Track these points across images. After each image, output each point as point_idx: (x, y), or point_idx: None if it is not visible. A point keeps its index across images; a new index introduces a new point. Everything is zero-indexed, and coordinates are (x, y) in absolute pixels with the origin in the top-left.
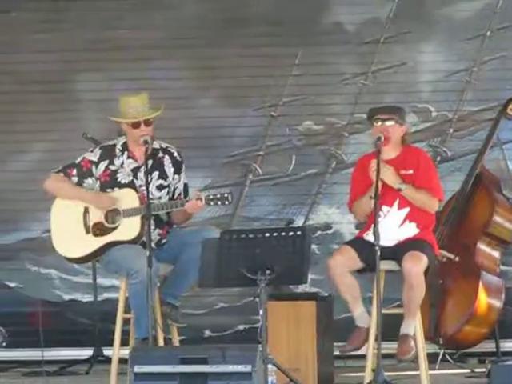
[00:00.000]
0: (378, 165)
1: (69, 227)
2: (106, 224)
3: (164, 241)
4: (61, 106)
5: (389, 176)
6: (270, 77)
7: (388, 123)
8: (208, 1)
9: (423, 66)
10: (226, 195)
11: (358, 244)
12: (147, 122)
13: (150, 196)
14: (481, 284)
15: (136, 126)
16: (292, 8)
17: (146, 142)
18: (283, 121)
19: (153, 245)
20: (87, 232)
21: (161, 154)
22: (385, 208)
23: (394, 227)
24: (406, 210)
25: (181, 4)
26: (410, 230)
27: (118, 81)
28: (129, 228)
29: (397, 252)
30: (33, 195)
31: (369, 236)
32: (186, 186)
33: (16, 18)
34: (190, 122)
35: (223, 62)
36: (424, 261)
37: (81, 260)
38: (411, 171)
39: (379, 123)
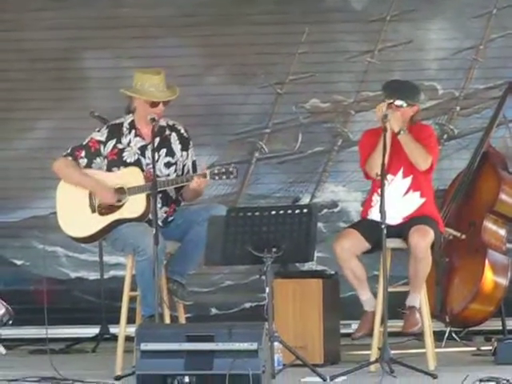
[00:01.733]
0: (385, 143)
1: (75, 207)
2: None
3: (171, 218)
4: (67, 84)
5: (396, 117)
6: (277, 54)
7: (398, 102)
8: None
9: (429, 43)
10: (230, 169)
11: (363, 225)
12: (165, 102)
13: (158, 173)
14: (487, 262)
15: (155, 105)
16: None
17: (153, 120)
18: (289, 98)
19: (159, 222)
20: (93, 211)
21: (168, 132)
22: (389, 177)
23: (398, 196)
24: (410, 178)
25: None
26: (415, 200)
27: (125, 59)
28: (135, 206)
29: (403, 229)
30: (39, 173)
31: (372, 214)
32: (194, 163)
33: None
34: (196, 100)
35: (230, 39)
36: (431, 235)
37: (87, 239)
38: None
39: (390, 101)
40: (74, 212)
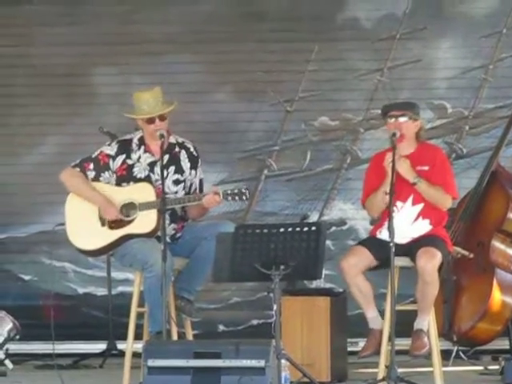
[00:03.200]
0: (393, 161)
1: (84, 220)
2: (121, 217)
3: (179, 235)
4: (76, 100)
5: (405, 168)
6: (286, 72)
7: (401, 119)
8: None
9: (439, 62)
10: (243, 190)
11: (371, 243)
12: (161, 117)
13: (167, 190)
14: (495, 281)
15: (150, 121)
16: (308, 3)
17: (161, 136)
18: (299, 116)
19: (168, 239)
20: (103, 225)
21: (177, 149)
22: (399, 203)
23: (407, 223)
24: (420, 206)
25: None
26: (423, 227)
27: (134, 75)
28: (145, 221)
29: (411, 248)
30: (47, 188)
31: (382, 234)
32: (201, 182)
33: (32, 11)
34: (205, 117)
35: (239, 56)
36: (438, 257)
37: (96, 252)
38: (427, 167)
39: (393, 120)
40: (83, 224)
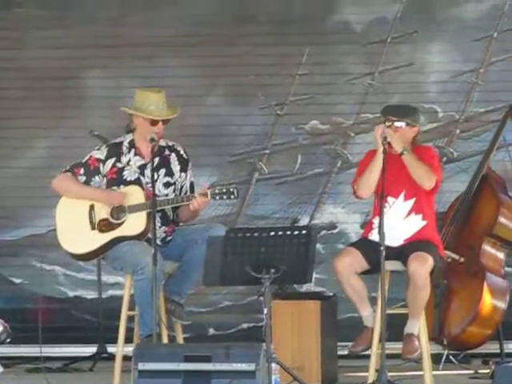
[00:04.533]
0: (385, 163)
1: (75, 224)
2: (111, 220)
3: (170, 238)
4: (68, 103)
5: (395, 138)
6: (277, 75)
7: (397, 124)
8: None
9: (430, 66)
10: (231, 189)
11: (363, 245)
12: (165, 121)
13: (157, 193)
14: (485, 285)
15: (154, 123)
16: (299, 7)
17: (152, 140)
18: (289, 120)
19: (158, 242)
20: (93, 228)
21: (167, 152)
22: (390, 199)
23: (399, 219)
24: (412, 201)
25: (189, 2)
26: (416, 223)
27: (125, 78)
28: (135, 224)
29: (402, 252)
30: (38, 192)
31: (373, 236)
32: (192, 184)
33: (23, 14)
34: (196, 120)
35: (230, 60)
36: (430, 262)
37: (87, 256)
38: None
39: (389, 123)
40: (73, 228)
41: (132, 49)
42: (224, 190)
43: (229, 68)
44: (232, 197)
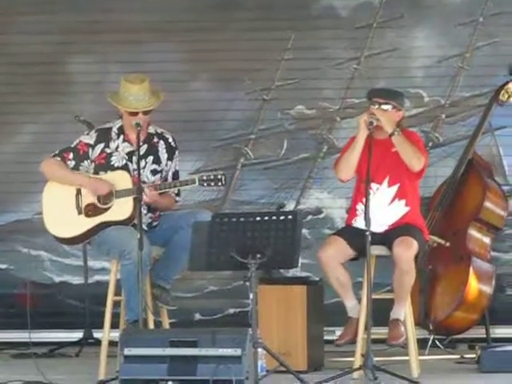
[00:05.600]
0: (370, 146)
1: (61, 208)
2: (98, 205)
3: (156, 223)
4: (53, 88)
5: (386, 118)
6: (263, 60)
7: (384, 107)
8: None
9: (416, 51)
10: (219, 176)
11: (348, 233)
12: (146, 112)
13: (145, 180)
14: (471, 270)
15: (133, 114)
16: None
17: (137, 125)
18: (275, 105)
19: (144, 227)
20: (79, 213)
21: (156, 139)
22: (374, 186)
23: (383, 205)
24: (396, 187)
25: None
26: (399, 208)
27: (111, 63)
28: (121, 209)
29: (387, 237)
30: (24, 177)
31: (357, 222)
32: (175, 174)
33: (9, 0)
34: (181, 106)
35: (216, 45)
36: (414, 246)
37: (73, 240)
38: None
39: (376, 106)
40: (60, 212)
41: (118, 34)
42: (212, 177)
43: (214, 53)
44: (220, 184)
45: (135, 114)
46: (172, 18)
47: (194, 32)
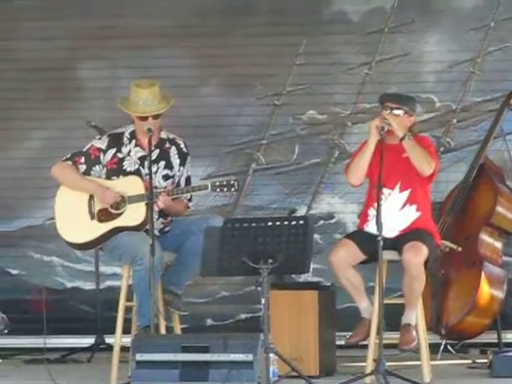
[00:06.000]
0: (381, 153)
1: (74, 213)
2: (111, 210)
3: (168, 229)
4: (63, 94)
5: (397, 122)
6: (274, 66)
7: (396, 112)
8: None
9: (427, 56)
10: (232, 182)
11: (359, 236)
12: (155, 116)
13: (157, 185)
14: (483, 274)
15: (143, 118)
16: None
17: (149, 131)
18: (287, 110)
19: (156, 232)
20: (92, 218)
21: (167, 145)
22: (386, 191)
23: (395, 210)
24: (407, 192)
25: None
26: (411, 214)
27: (121, 69)
28: (134, 214)
29: (398, 242)
30: (35, 183)
31: (369, 227)
32: (188, 179)
33: (17, 6)
34: (193, 111)
35: (227, 50)
36: (424, 251)
37: (85, 246)
38: None
39: (388, 111)
40: (72, 217)
41: (127, 39)
42: (224, 183)
43: (226, 58)
44: (232, 189)
45: (145, 118)
46: (182, 23)
47: (204, 37)
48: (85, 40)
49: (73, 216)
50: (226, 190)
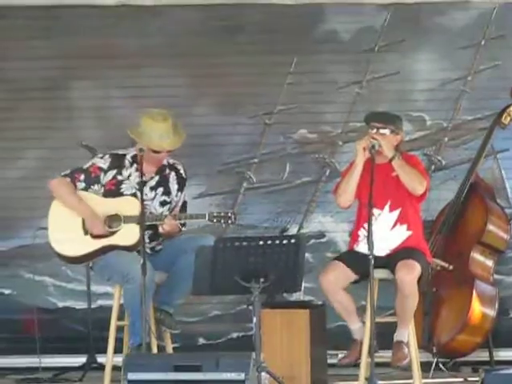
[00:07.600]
0: (372, 172)
1: (67, 226)
2: (106, 230)
3: (159, 247)
4: (55, 114)
5: (386, 142)
6: (265, 85)
7: (382, 131)
8: (203, 9)
9: (418, 74)
10: (229, 215)
11: (350, 257)
12: (168, 151)
13: (153, 211)
14: (474, 293)
15: (157, 151)
16: (287, 16)
17: (141, 150)
18: (277, 129)
19: (148, 250)
20: (86, 233)
21: (167, 171)
22: (376, 211)
23: (385, 230)
24: (397, 211)
25: (175, 11)
26: (401, 233)
27: (112, 88)
28: (128, 234)
29: (390, 261)
30: (27, 202)
31: (359, 247)
32: (183, 205)
33: (8, 25)
34: (184, 130)
35: (218, 69)
36: (417, 269)
37: (76, 260)
38: None
39: (374, 130)
40: (66, 230)
41: (119, 59)
42: (222, 214)
43: (216, 77)
44: (229, 222)
45: (158, 152)
46: (173, 42)
47: (195, 56)
48: (76, 59)
49: (66, 229)
50: (222, 221)
